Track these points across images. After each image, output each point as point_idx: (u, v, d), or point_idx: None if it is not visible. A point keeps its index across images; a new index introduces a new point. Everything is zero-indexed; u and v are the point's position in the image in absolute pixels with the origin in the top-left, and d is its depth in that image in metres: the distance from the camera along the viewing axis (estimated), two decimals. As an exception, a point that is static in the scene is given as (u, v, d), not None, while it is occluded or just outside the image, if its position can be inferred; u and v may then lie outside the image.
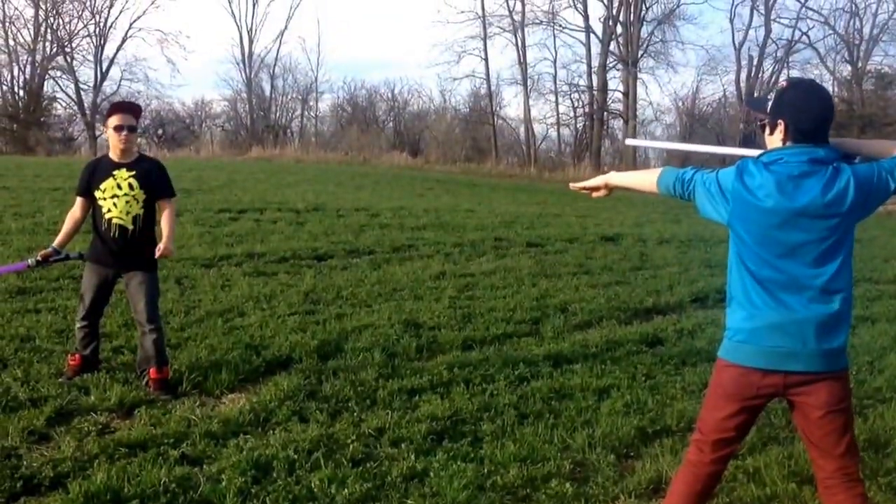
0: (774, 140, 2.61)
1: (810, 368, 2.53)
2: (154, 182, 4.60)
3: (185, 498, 3.28)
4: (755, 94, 39.27)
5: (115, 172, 4.53)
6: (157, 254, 4.52)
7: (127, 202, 4.50)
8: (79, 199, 4.66)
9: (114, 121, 4.53)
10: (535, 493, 3.50)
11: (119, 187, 4.51)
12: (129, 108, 4.78)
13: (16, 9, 52.29)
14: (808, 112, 2.56)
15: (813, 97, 2.60)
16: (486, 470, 3.67)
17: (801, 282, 2.52)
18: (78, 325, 4.66)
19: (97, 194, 4.53)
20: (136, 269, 4.55)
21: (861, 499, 2.59)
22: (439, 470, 3.63)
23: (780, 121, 2.58)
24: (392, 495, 3.43)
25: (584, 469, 3.78)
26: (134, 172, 4.54)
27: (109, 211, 4.50)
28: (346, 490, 3.39)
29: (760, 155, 2.62)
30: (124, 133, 4.53)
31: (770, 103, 2.64)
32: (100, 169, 4.60)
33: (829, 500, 2.61)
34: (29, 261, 4.69)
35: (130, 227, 4.52)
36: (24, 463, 3.49)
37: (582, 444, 4.01)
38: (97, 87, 40.35)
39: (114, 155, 4.59)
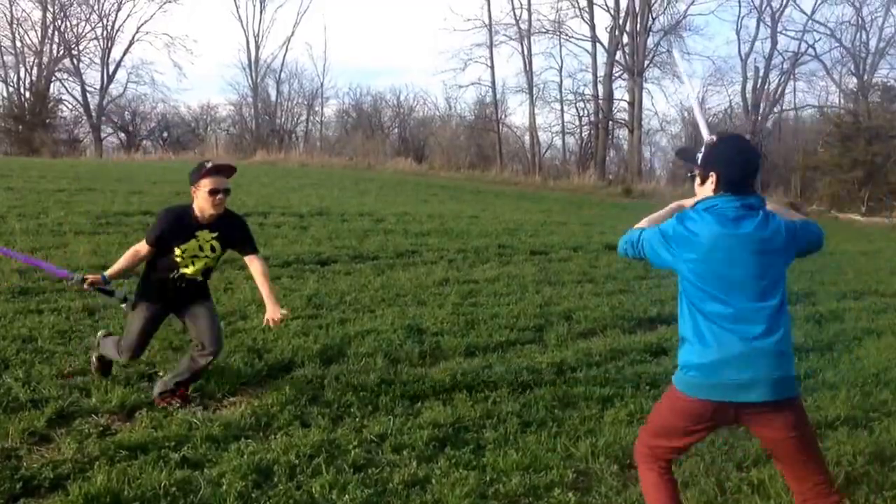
0: (706, 190, 2.83)
1: (761, 399, 2.65)
2: (236, 241, 4.36)
3: (185, 501, 3.26)
4: (761, 105, 39.37)
5: (198, 234, 4.24)
6: (274, 323, 4.25)
7: (205, 263, 4.31)
8: (148, 248, 4.28)
9: (209, 183, 4.17)
10: (538, 502, 3.48)
11: (201, 249, 4.25)
12: (228, 171, 4.35)
13: (23, 11, 52.60)
14: (736, 165, 2.79)
15: (741, 151, 2.85)
16: (488, 478, 3.65)
17: (747, 315, 2.68)
18: (123, 363, 4.48)
19: (175, 251, 4.23)
20: (198, 302, 4.42)
21: None
22: (441, 477, 3.61)
23: (711, 173, 2.80)
24: (393, 502, 3.40)
25: (587, 478, 3.75)
26: (217, 234, 4.27)
27: (186, 267, 4.27)
28: (347, 496, 3.37)
29: (696, 203, 2.84)
30: (219, 197, 4.19)
31: (700, 156, 2.88)
32: (183, 229, 4.23)
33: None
34: (74, 275, 4.35)
35: (200, 279, 4.39)
36: (24, 464, 3.48)
37: (585, 454, 3.98)
38: (103, 90, 40.62)
39: (199, 214, 4.24)
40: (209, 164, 4.30)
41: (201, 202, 4.22)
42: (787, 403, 2.69)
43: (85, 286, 4.29)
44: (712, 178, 2.80)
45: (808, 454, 2.73)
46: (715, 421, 2.75)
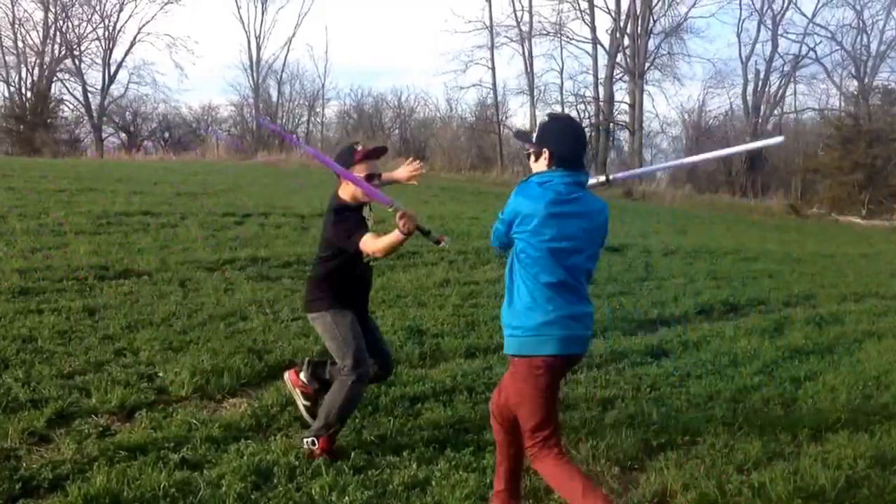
0: (540, 166, 3.06)
1: (581, 351, 3.14)
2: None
3: (184, 502, 3.25)
4: (761, 108, 39.37)
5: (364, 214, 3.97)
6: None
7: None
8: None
9: (365, 169, 3.87)
10: (538, 505, 3.47)
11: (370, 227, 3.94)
12: (380, 153, 4.03)
13: (25, 11, 52.51)
14: (568, 142, 3.04)
15: (572, 129, 3.10)
16: (488, 480, 3.63)
17: (574, 282, 3.01)
18: (349, 376, 3.78)
19: None
20: (366, 307, 4.12)
21: None
22: (441, 479, 3.60)
23: (544, 149, 3.03)
24: (393, 504, 3.39)
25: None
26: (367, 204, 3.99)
27: (366, 255, 3.92)
28: (346, 498, 3.36)
29: (530, 177, 3.05)
30: (375, 182, 3.92)
31: (535, 135, 3.09)
32: (362, 218, 3.91)
33: (552, 451, 3.07)
34: (396, 202, 3.62)
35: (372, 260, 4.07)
36: (24, 464, 3.47)
37: (586, 456, 3.98)
38: (105, 90, 40.57)
39: (351, 200, 3.92)
40: (359, 148, 3.94)
41: (353, 189, 3.86)
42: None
43: (402, 218, 3.52)
44: (545, 154, 3.03)
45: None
46: (557, 376, 3.09)
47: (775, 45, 38.66)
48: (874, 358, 6.54)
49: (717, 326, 7.33)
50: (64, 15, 39.94)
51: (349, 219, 3.86)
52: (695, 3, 37.77)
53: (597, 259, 3.12)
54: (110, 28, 40.93)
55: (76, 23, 40.56)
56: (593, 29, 37.21)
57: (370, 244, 3.72)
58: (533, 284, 2.98)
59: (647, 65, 36.20)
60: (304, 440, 3.84)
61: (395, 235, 3.55)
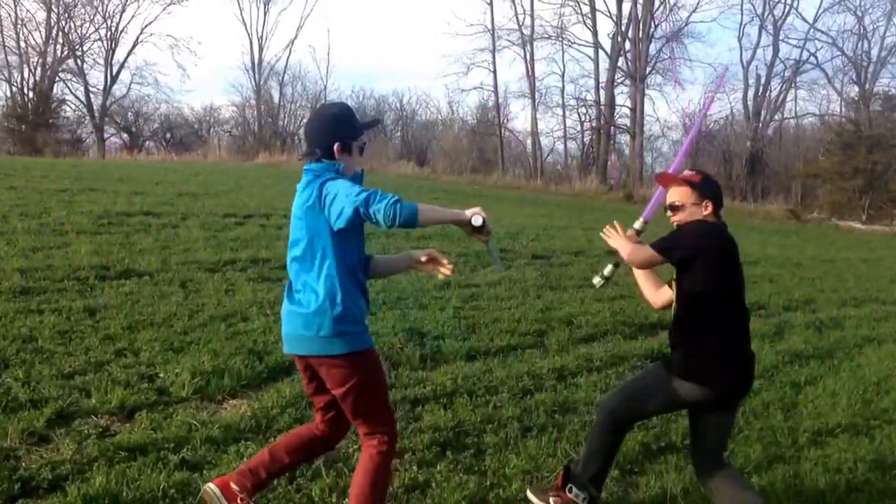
0: None
1: (289, 352, 2.88)
2: None
3: (184, 503, 3.25)
4: (762, 113, 39.40)
5: None
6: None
7: None
8: None
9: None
10: (538, 508, 3.46)
11: None
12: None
13: (28, 11, 52.68)
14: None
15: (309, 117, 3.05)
16: (488, 482, 3.64)
17: (291, 276, 2.87)
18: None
19: None
20: None
21: None
22: (441, 482, 3.60)
23: None
24: (393, 506, 3.39)
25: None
26: None
27: None
28: (346, 500, 3.36)
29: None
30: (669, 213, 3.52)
31: None
32: None
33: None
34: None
35: None
36: (23, 464, 3.47)
37: (586, 459, 3.97)
38: (107, 91, 40.62)
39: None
40: None
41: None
42: (320, 360, 2.80)
43: None
44: None
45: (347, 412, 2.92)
46: (305, 372, 2.95)
47: (776, 51, 38.70)
48: (874, 363, 6.54)
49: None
50: (66, 15, 40.05)
51: None
52: (696, 8, 37.78)
53: (321, 247, 2.78)
54: (113, 28, 41.05)
55: (79, 23, 40.69)
56: (595, 33, 37.26)
57: None
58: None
59: (648, 69, 36.21)
60: None
61: None
